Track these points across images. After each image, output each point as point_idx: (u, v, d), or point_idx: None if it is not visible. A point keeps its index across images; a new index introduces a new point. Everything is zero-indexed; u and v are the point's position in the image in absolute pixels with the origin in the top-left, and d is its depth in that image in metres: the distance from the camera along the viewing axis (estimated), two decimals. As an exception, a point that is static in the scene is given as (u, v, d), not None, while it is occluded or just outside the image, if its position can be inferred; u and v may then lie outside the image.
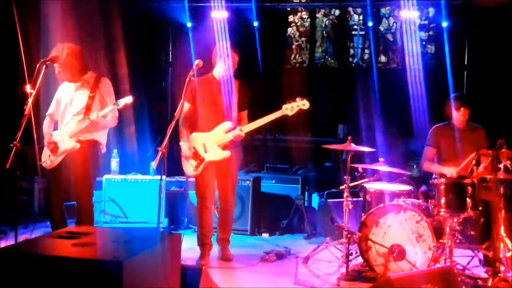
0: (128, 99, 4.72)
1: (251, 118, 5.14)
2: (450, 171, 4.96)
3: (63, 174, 4.82)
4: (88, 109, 4.74)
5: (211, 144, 5.04)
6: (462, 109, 5.18)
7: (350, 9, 9.99)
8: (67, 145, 4.75)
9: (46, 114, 5.01)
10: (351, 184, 5.05)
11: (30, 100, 4.31)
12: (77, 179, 4.78)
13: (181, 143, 5.12)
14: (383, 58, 9.89)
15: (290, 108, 4.94)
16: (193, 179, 5.29)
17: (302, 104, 4.94)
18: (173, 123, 4.51)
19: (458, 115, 5.23)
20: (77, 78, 4.83)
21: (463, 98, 5.34)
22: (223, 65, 5.07)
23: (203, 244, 5.15)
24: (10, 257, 2.85)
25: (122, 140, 7.27)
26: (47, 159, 4.82)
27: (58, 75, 4.82)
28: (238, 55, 5.15)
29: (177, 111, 4.62)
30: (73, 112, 4.81)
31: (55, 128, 4.97)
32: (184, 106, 5.02)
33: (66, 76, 4.81)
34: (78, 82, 4.83)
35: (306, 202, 6.76)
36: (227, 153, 5.04)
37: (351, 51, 10.07)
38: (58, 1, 6.69)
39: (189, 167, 5.11)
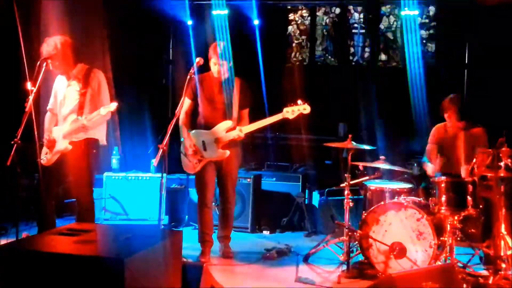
0: (111, 106, 4.55)
1: (251, 116, 5.14)
2: (462, 171, 4.89)
3: (58, 172, 4.78)
4: (81, 107, 4.67)
5: (210, 142, 5.04)
6: (447, 113, 5.19)
7: (351, 7, 9.97)
8: (60, 146, 4.72)
9: (47, 108, 4.97)
10: (351, 182, 5.05)
11: (30, 97, 4.31)
12: (74, 178, 4.75)
13: (181, 140, 5.12)
14: (383, 57, 9.87)
15: (291, 112, 4.93)
16: (194, 177, 5.30)
17: (303, 108, 4.94)
18: (174, 120, 4.52)
19: (446, 117, 5.26)
20: (70, 70, 4.75)
21: (448, 101, 5.24)
22: (217, 66, 5.02)
23: (204, 241, 5.16)
24: (11, 254, 2.85)
25: (123, 138, 7.27)
26: (44, 156, 4.80)
27: (53, 69, 4.73)
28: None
29: (177, 108, 4.61)
30: (67, 110, 4.76)
31: (57, 123, 4.94)
32: (185, 102, 5.03)
33: (60, 69, 4.74)
34: (70, 76, 4.76)
35: (306, 199, 6.76)
36: (226, 153, 5.03)
37: (352, 50, 10.06)
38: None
39: (188, 164, 5.11)
